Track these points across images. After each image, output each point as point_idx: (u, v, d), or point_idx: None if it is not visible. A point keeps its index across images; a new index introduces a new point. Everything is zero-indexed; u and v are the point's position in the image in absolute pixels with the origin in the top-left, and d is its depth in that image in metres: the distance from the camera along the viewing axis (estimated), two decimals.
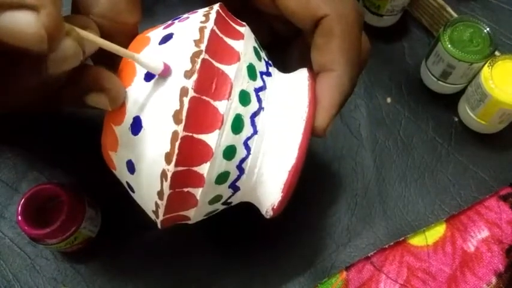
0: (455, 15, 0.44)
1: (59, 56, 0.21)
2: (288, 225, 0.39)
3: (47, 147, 0.42)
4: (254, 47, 0.29)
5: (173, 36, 0.26)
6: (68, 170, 0.41)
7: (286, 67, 0.31)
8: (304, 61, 0.31)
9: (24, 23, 0.19)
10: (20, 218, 0.34)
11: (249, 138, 0.26)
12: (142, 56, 0.24)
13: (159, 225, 0.28)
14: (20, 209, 0.34)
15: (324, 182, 0.41)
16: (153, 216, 0.28)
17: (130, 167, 0.27)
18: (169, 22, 0.28)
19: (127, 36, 0.28)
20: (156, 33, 0.28)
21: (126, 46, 0.28)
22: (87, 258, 0.38)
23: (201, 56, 0.25)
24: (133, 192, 0.28)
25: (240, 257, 0.39)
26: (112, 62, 0.27)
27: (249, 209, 0.33)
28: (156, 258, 0.39)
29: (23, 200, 0.35)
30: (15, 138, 0.42)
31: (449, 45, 0.40)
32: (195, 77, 0.24)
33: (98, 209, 0.39)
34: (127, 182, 0.28)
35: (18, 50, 0.19)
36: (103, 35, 0.27)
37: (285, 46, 0.34)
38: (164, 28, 0.28)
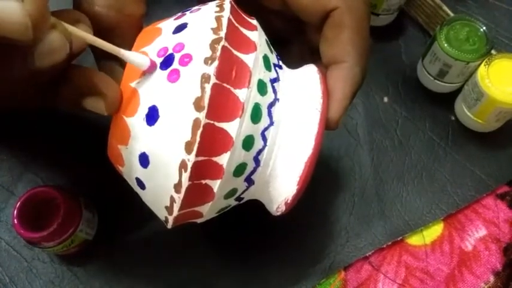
0: (451, 14, 0.44)
1: (45, 49, 0.21)
2: (285, 226, 0.38)
3: (43, 150, 0.42)
4: (266, 39, 0.29)
5: (188, 25, 0.26)
6: (64, 172, 0.41)
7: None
8: (303, 60, 0.31)
9: (9, 11, 0.19)
10: (16, 221, 0.34)
11: (266, 129, 0.26)
12: (127, 52, 0.24)
13: (169, 224, 0.27)
14: (15, 212, 0.34)
15: (321, 182, 0.41)
16: (164, 214, 0.27)
17: (144, 160, 0.26)
18: (179, 14, 0.28)
19: (133, 28, 0.28)
20: (167, 24, 0.27)
21: (132, 38, 0.28)
22: (84, 261, 0.38)
23: (221, 43, 0.25)
24: (143, 188, 0.27)
25: (239, 257, 0.39)
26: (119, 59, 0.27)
27: (248, 211, 0.33)
28: (154, 260, 0.38)
29: (18, 203, 0.34)
30: (11, 140, 0.42)
31: (445, 44, 0.40)
32: (216, 63, 0.24)
33: (94, 212, 0.38)
34: (137, 178, 0.27)
35: (3, 40, 0.19)
36: (109, 27, 0.27)
37: (283, 44, 0.34)
38: (175, 19, 0.28)
